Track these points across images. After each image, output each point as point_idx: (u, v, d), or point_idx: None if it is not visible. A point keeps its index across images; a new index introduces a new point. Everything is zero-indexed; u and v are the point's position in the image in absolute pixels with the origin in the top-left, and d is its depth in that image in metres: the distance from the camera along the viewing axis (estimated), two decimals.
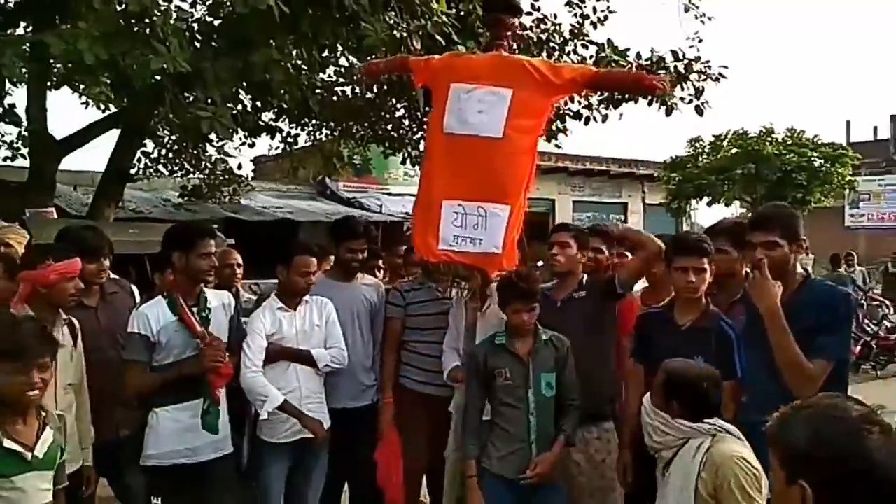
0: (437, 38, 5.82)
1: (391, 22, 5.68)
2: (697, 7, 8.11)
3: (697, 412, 2.82)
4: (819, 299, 2.97)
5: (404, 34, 5.63)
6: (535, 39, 7.68)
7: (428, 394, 4.17)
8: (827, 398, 1.63)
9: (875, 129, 32.56)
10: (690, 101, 7.98)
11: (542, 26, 7.91)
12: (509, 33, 3.86)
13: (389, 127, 9.79)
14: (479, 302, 3.81)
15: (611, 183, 22.45)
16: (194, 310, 3.60)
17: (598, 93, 7.75)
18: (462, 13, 6.45)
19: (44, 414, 2.65)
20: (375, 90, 8.59)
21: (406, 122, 10.06)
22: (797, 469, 1.53)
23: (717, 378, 2.91)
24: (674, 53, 7.96)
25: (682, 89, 7.95)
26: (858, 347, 11.03)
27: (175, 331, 3.53)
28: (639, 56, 7.93)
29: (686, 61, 7.93)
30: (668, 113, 7.94)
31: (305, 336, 3.93)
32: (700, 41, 8.00)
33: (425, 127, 9.89)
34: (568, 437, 3.55)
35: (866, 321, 11.74)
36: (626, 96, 7.83)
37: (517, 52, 7.28)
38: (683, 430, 2.82)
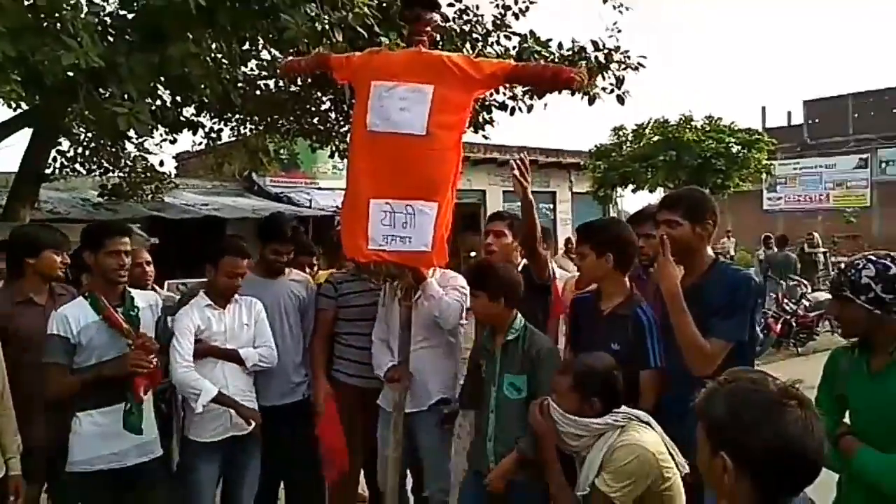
0: (359, 29, 5.79)
1: (312, 14, 5.61)
2: None
3: (611, 404, 2.90)
4: (722, 281, 3.03)
5: (325, 26, 5.58)
6: (458, 31, 7.72)
7: (360, 387, 4.18)
8: (748, 373, 1.70)
9: (789, 114, 33.83)
10: (612, 91, 8.15)
11: (465, 17, 7.94)
12: (428, 28, 3.85)
13: (316, 120, 9.70)
14: (411, 300, 3.81)
15: (539, 173, 22.75)
16: (119, 309, 3.52)
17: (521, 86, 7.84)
18: (384, 4, 6.43)
19: None
20: (300, 83, 8.49)
21: (332, 115, 9.96)
22: (718, 441, 1.61)
23: (616, 365, 2.97)
24: (594, 43, 8.11)
25: (604, 79, 8.12)
26: (779, 326, 11.52)
27: (97, 331, 3.45)
28: (560, 46, 8.05)
29: (606, 51, 8.08)
30: (591, 102, 8.08)
31: (234, 335, 3.90)
32: (619, 31, 8.17)
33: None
34: (521, 451, 3.30)
35: (786, 300, 12.25)
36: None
37: (440, 44, 7.35)
38: (598, 427, 2.88)
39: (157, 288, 4.74)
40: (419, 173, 3.60)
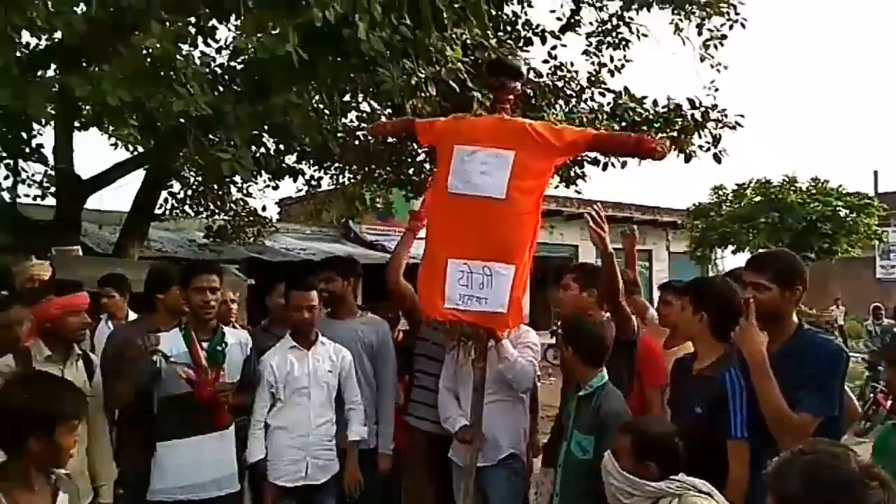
0: (452, 84, 5.93)
1: (408, 68, 5.79)
2: (713, 57, 8.18)
3: (669, 470, 2.78)
4: (809, 350, 2.87)
5: (420, 80, 5.74)
6: (552, 87, 7.78)
7: (431, 433, 4.14)
8: (828, 446, 1.59)
9: None
10: (708, 149, 8.00)
11: (559, 73, 8.01)
12: (511, 97, 3.93)
13: (411, 171, 9.91)
14: (485, 361, 3.77)
15: None
16: (204, 344, 3.66)
17: None
18: (478, 60, 6.57)
19: (53, 477, 2.40)
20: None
21: (427, 166, 10.17)
22: None
23: (676, 431, 2.86)
24: (690, 101, 8.02)
25: (700, 137, 7.98)
26: (889, 402, 10.74)
27: (183, 362, 3.59)
28: (655, 104, 8.00)
29: (703, 109, 7.97)
30: (687, 160, 7.97)
31: (317, 380, 3.94)
32: (717, 90, 8.05)
33: None
34: None
35: None
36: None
37: (533, 100, 7.42)
38: (651, 490, 2.76)
39: (235, 325, 4.87)
40: (497, 236, 3.66)
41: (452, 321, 3.68)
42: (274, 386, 3.90)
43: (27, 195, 9.91)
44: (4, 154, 7.91)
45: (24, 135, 7.75)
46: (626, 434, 2.89)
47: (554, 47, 8.23)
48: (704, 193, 28.63)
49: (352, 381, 4.07)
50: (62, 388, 2.42)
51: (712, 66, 8.24)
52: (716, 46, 8.45)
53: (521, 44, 7.79)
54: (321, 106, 7.28)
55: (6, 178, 8.44)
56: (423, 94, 5.93)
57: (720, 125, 7.97)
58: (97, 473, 3.49)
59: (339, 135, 8.66)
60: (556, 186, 9.59)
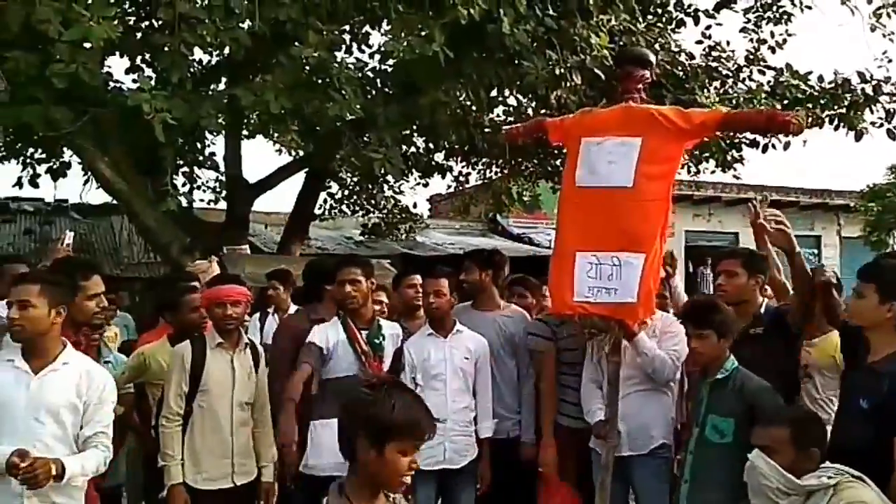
0: (598, 72, 5.84)
1: (552, 59, 5.77)
2: (884, 26, 7.53)
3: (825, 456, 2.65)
4: None
5: (564, 70, 5.71)
6: (705, 67, 7.46)
7: (573, 428, 4.09)
8: None
9: None
10: (881, 125, 7.39)
11: (713, 54, 7.67)
12: (640, 86, 3.86)
13: (558, 163, 9.85)
14: (619, 355, 3.72)
15: (801, 215, 20.96)
16: (363, 333, 3.86)
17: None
18: (625, 46, 6.42)
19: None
20: None
21: None
22: None
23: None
24: (860, 75, 7.43)
25: (872, 112, 7.39)
26: None
27: (343, 349, 3.80)
28: (821, 79, 7.48)
29: (874, 82, 7.37)
30: (858, 138, 7.41)
31: (453, 367, 4.02)
32: (889, 61, 7.41)
33: None
34: None
35: None
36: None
37: (686, 82, 7.15)
38: (807, 486, 2.62)
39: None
40: (625, 225, 3.60)
41: (582, 314, 3.65)
42: (413, 371, 4.02)
43: (201, 200, 10.81)
44: (181, 163, 8.61)
45: (198, 144, 8.43)
46: (784, 426, 2.74)
47: (708, 27, 7.89)
48: (879, 173, 26.44)
49: (484, 373, 4.10)
50: (422, 406, 2.19)
51: (884, 36, 7.58)
52: (888, 14, 7.77)
53: (671, 26, 7.53)
54: (468, 103, 7.40)
55: (183, 184, 9.22)
56: (568, 85, 5.89)
57: (894, 98, 7.34)
58: (260, 454, 3.73)
59: (485, 130, 8.76)
60: (713, 171, 9.21)
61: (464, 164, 10.46)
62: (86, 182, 8.70)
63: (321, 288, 4.26)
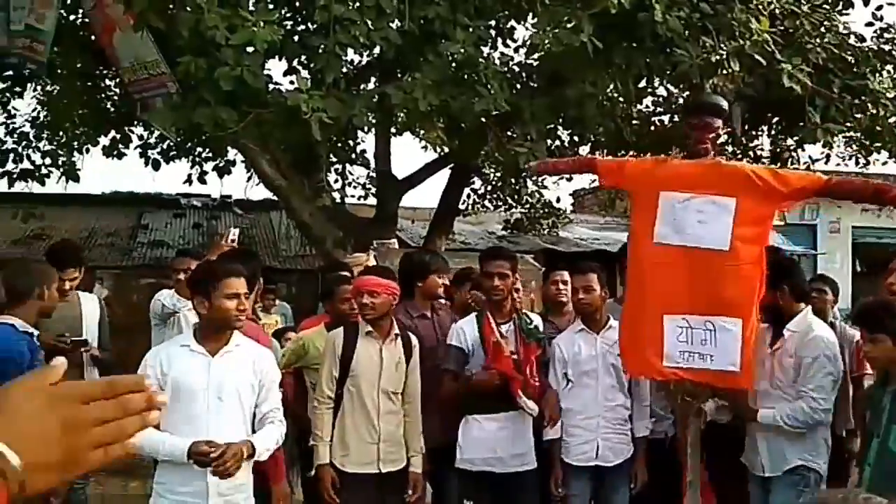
0: (758, 57, 5.53)
1: (707, 46, 5.52)
2: None
3: None
4: None
5: (721, 57, 5.44)
6: (877, 51, 6.88)
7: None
8: None
9: None
10: None
11: (885, 36, 7.06)
12: (712, 135, 3.73)
13: (712, 156, 9.43)
14: (699, 419, 3.63)
15: None
16: (505, 326, 3.89)
17: None
18: (788, 30, 6.05)
19: None
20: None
21: (730, 148, 9.63)
22: None
23: None
24: None
25: None
26: None
27: (480, 345, 3.86)
28: None
29: None
30: None
31: (605, 363, 3.99)
32: None
33: (749, 153, 9.47)
34: None
35: None
36: None
37: (856, 65, 6.62)
38: None
39: None
40: (720, 288, 3.46)
41: (675, 381, 3.55)
42: (563, 367, 4.02)
43: (352, 196, 11.23)
44: (334, 160, 8.97)
45: (350, 142, 8.75)
46: None
47: (879, 7, 7.27)
48: None
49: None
50: None
51: None
52: None
53: (838, 8, 7.00)
54: (615, 94, 7.22)
55: (335, 181, 9.61)
56: (724, 72, 5.61)
57: None
58: (410, 444, 3.83)
59: (633, 122, 8.53)
60: (885, 163, 8.49)
61: (610, 156, 10.23)
62: (248, 179, 9.28)
63: (412, 284, 4.32)
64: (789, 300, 3.60)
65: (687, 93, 7.73)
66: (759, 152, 9.99)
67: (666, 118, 8.88)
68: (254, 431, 3.13)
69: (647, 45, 5.67)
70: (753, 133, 9.55)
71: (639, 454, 4.00)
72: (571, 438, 3.94)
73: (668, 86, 7.51)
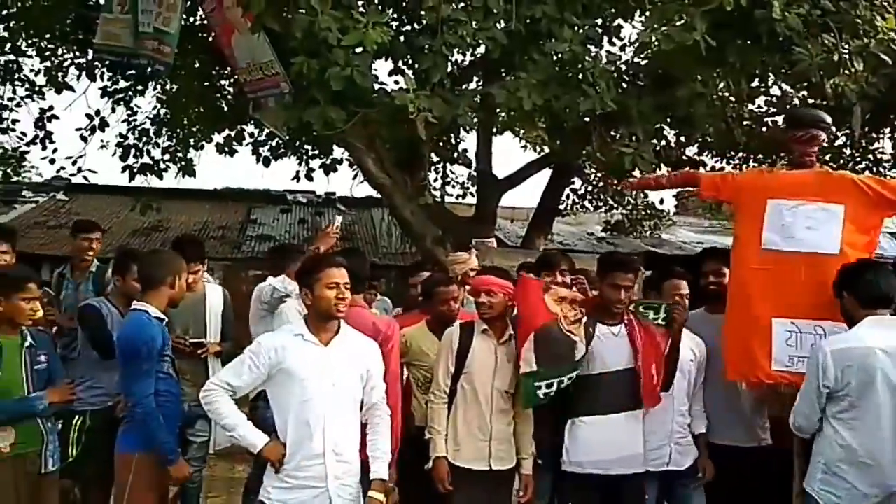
0: (883, 57, 5.24)
1: (828, 44, 5.27)
2: None
3: None
4: None
5: (844, 56, 5.19)
6: None
7: None
8: None
9: None
10: None
11: None
12: (817, 148, 3.81)
13: (827, 157, 9.01)
14: None
15: None
16: (616, 328, 3.82)
17: None
18: None
19: None
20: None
21: (847, 150, 9.18)
22: None
23: None
24: None
25: None
26: None
27: (606, 346, 3.80)
28: None
29: None
30: None
31: (679, 368, 3.91)
32: None
33: (869, 156, 8.99)
34: None
35: None
36: None
37: None
38: None
39: None
40: (830, 293, 3.44)
41: (784, 384, 3.56)
42: None
43: (450, 194, 11.33)
44: (436, 159, 9.07)
45: (452, 142, 8.83)
46: None
47: None
48: None
49: (699, 374, 4.00)
50: None
51: None
52: None
53: None
54: (726, 94, 6.99)
55: (434, 179, 9.72)
56: (847, 72, 5.34)
57: None
58: (520, 446, 3.82)
59: (744, 122, 8.24)
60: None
61: (718, 158, 9.92)
62: (354, 177, 9.51)
63: None
64: (854, 306, 3.41)
65: (804, 93, 7.40)
66: (879, 155, 9.49)
67: (779, 119, 8.51)
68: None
69: (763, 44, 5.47)
70: (875, 135, 9.08)
71: (702, 450, 3.99)
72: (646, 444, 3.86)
73: (784, 85, 7.20)
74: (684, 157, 9.39)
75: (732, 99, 7.14)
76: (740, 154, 9.66)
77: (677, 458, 3.90)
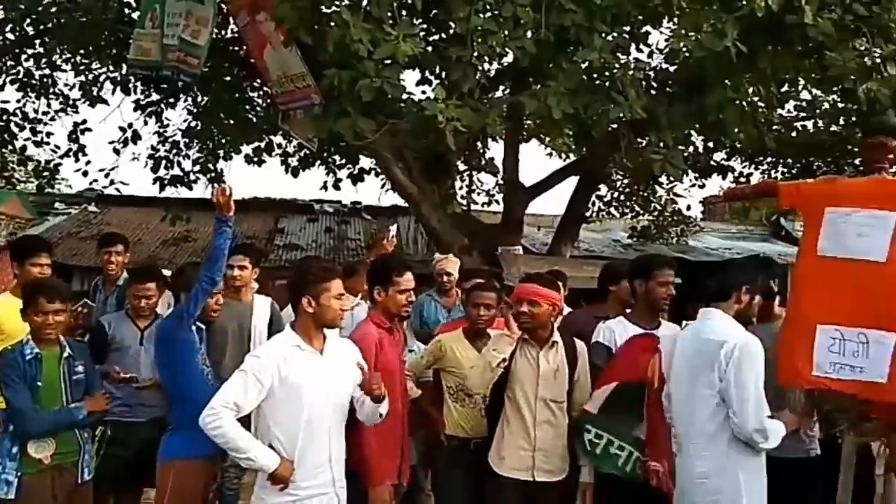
0: None
1: (861, 49, 5.23)
2: None
3: None
4: None
5: (876, 60, 5.14)
6: None
7: None
8: None
9: None
10: None
11: None
12: (891, 156, 3.74)
13: (857, 162, 8.91)
14: (857, 436, 3.57)
15: None
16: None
17: None
18: None
19: None
20: (843, 121, 7.91)
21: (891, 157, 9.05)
22: None
23: None
24: None
25: None
26: None
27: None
28: None
29: None
30: None
31: None
32: None
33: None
34: None
35: None
36: None
37: None
38: None
39: None
40: (876, 300, 3.38)
41: (822, 390, 3.49)
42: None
43: (476, 203, 11.35)
44: (464, 168, 9.11)
45: (479, 150, 8.85)
46: None
47: None
48: None
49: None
50: None
51: None
52: None
53: None
54: (756, 98, 6.95)
55: (461, 188, 9.74)
56: (879, 76, 5.30)
57: None
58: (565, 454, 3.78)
59: (774, 127, 8.17)
60: None
61: (746, 163, 9.85)
62: (382, 186, 9.56)
63: (606, 289, 4.45)
64: None
65: (834, 97, 7.34)
66: None
67: (809, 123, 8.44)
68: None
69: (795, 49, 5.44)
70: None
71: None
72: None
73: (815, 90, 7.15)
74: (713, 163, 9.35)
75: (762, 104, 7.08)
76: (769, 159, 9.59)
77: None
